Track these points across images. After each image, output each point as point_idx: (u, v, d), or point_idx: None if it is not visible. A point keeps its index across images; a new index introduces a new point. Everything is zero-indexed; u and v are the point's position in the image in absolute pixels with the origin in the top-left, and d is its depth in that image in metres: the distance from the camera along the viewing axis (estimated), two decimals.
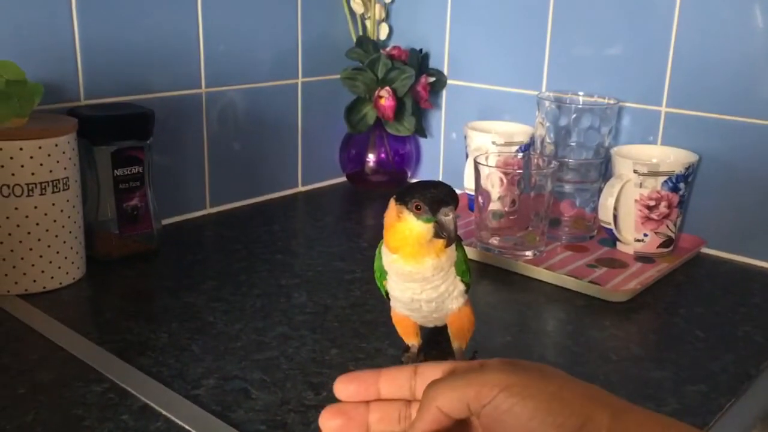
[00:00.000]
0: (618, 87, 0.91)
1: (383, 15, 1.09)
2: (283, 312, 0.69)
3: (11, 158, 0.67)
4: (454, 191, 0.53)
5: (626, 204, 0.83)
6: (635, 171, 0.81)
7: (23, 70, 0.69)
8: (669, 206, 0.82)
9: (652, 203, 0.82)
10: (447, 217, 0.52)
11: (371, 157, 1.10)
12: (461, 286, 0.57)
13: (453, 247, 0.55)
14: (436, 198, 0.52)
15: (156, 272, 0.79)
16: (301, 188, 1.09)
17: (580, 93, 0.91)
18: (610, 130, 0.87)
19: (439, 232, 0.52)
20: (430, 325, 0.60)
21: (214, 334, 0.65)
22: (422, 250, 0.53)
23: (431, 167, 1.13)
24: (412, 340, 0.61)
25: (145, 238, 0.81)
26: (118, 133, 0.77)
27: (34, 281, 0.71)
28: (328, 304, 0.71)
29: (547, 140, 0.89)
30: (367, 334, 0.65)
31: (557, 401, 0.32)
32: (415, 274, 0.54)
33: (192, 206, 0.96)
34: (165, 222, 0.88)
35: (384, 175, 1.11)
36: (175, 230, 0.90)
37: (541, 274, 0.78)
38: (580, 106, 0.88)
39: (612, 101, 0.88)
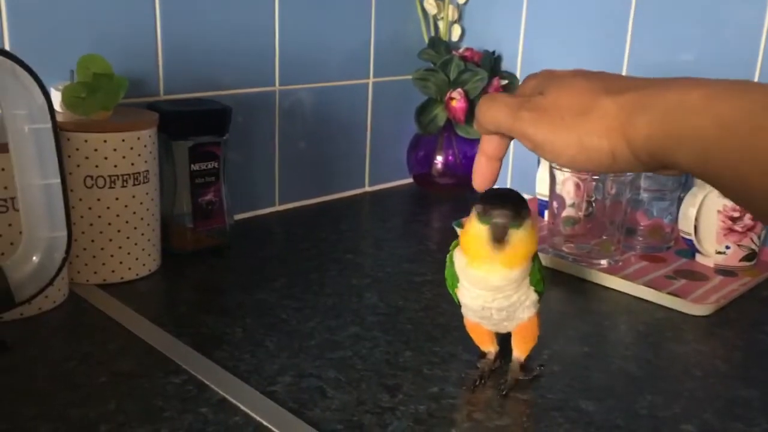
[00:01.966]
0: None
1: (456, 16, 1.08)
2: (354, 312, 0.69)
3: (95, 150, 0.69)
4: (520, 200, 0.51)
5: (708, 215, 0.80)
6: None
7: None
8: (754, 218, 0.79)
9: (736, 215, 0.79)
10: (499, 220, 0.50)
11: (439, 159, 1.09)
12: (534, 296, 0.56)
13: (529, 259, 0.54)
14: (495, 201, 0.51)
15: (228, 267, 0.79)
16: (367, 188, 1.09)
17: None
18: None
19: (493, 235, 0.51)
20: (503, 331, 0.59)
21: (287, 332, 0.65)
22: (487, 255, 0.52)
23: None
24: (488, 347, 0.60)
25: (218, 233, 0.82)
26: (196, 129, 0.78)
27: (113, 272, 0.72)
28: (400, 306, 0.70)
29: None
30: (440, 338, 0.64)
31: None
32: (485, 282, 0.53)
33: (262, 203, 0.97)
34: (235, 217, 0.89)
35: (451, 177, 1.10)
36: (245, 226, 0.91)
37: (618, 283, 0.76)
38: None
39: None
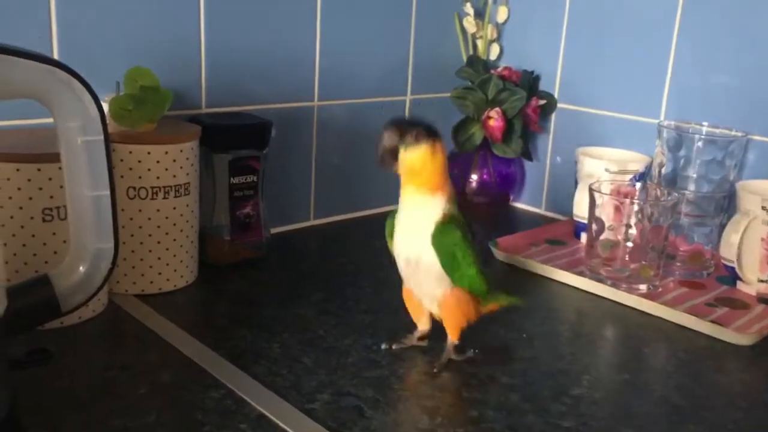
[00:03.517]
0: (745, 118, 0.86)
1: (495, 35, 1.08)
2: (391, 330, 0.68)
3: (139, 162, 0.69)
4: (407, 124, 0.57)
5: (751, 242, 0.78)
6: (764, 208, 0.77)
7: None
8: None
9: None
10: (380, 143, 0.58)
11: (474, 178, 1.09)
12: (438, 268, 0.58)
13: (438, 206, 0.58)
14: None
15: (265, 281, 0.79)
16: None
17: (704, 123, 0.88)
18: (736, 164, 0.83)
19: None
20: (428, 306, 0.63)
21: (324, 348, 0.64)
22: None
23: (535, 190, 1.11)
24: (420, 321, 0.65)
25: (254, 246, 0.82)
26: (237, 142, 0.79)
27: (151, 282, 0.73)
28: (436, 326, 0.70)
29: (667, 170, 0.85)
30: (479, 360, 0.64)
31: None
32: (400, 202, 0.60)
33: (297, 217, 0.97)
34: (270, 230, 0.89)
35: (486, 196, 1.09)
36: (281, 239, 0.91)
37: (658, 309, 0.74)
38: (703, 137, 0.85)
39: (739, 133, 0.84)
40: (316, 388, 0.58)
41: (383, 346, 0.65)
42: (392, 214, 0.62)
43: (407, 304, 0.65)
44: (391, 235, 0.62)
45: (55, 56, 0.72)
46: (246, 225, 0.81)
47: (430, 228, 0.58)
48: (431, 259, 0.59)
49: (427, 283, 0.60)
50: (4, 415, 0.45)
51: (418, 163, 0.57)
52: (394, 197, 1.07)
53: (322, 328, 0.68)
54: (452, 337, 0.62)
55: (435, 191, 0.58)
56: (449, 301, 0.60)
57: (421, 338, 0.65)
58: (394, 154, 0.57)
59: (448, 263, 0.59)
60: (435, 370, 0.61)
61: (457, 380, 0.60)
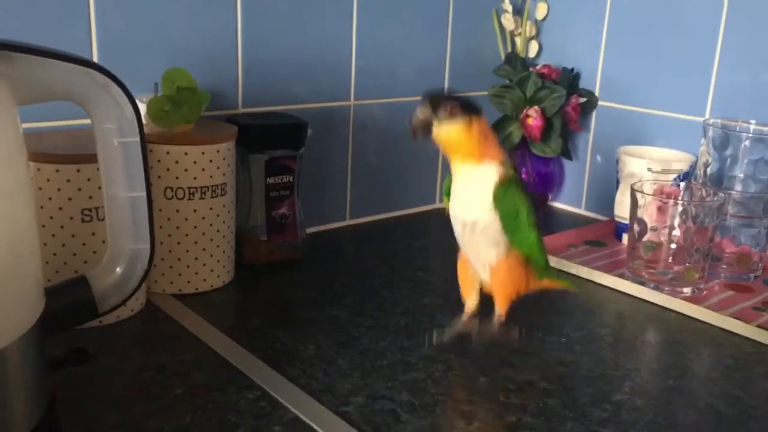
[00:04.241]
0: None
1: (533, 32, 1.06)
2: (427, 332, 0.67)
3: (176, 162, 0.70)
4: (442, 97, 0.56)
5: None
6: None
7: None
8: None
9: None
10: (414, 115, 0.57)
11: None
12: (497, 225, 0.57)
13: (492, 170, 0.57)
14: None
15: (300, 281, 0.79)
16: (438, 204, 1.08)
17: (752, 121, 0.85)
18: None
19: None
20: (481, 273, 0.62)
21: (359, 350, 0.64)
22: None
23: (574, 190, 1.09)
24: (469, 296, 0.64)
25: (290, 247, 0.82)
26: (273, 142, 0.79)
27: (188, 282, 0.73)
28: (474, 328, 0.69)
29: (712, 170, 0.83)
30: (517, 364, 0.63)
31: None
32: (453, 165, 0.59)
33: (332, 216, 0.97)
34: (306, 230, 0.89)
35: None
36: (316, 239, 0.91)
37: (703, 313, 0.72)
38: (750, 135, 0.82)
39: None
40: (351, 391, 0.57)
41: (434, 342, 0.64)
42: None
43: (460, 276, 0.64)
44: (448, 194, 0.61)
45: (95, 58, 0.73)
46: (282, 225, 0.81)
47: (488, 190, 0.57)
48: (488, 221, 0.58)
49: (484, 248, 0.59)
50: (42, 416, 0.46)
51: (453, 138, 0.57)
52: (431, 197, 1.07)
53: (358, 330, 0.68)
54: (500, 307, 0.61)
55: (481, 160, 0.57)
56: (502, 267, 0.59)
57: (467, 320, 0.64)
58: (427, 127, 0.56)
59: (510, 223, 0.58)
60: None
61: (495, 385, 0.59)
